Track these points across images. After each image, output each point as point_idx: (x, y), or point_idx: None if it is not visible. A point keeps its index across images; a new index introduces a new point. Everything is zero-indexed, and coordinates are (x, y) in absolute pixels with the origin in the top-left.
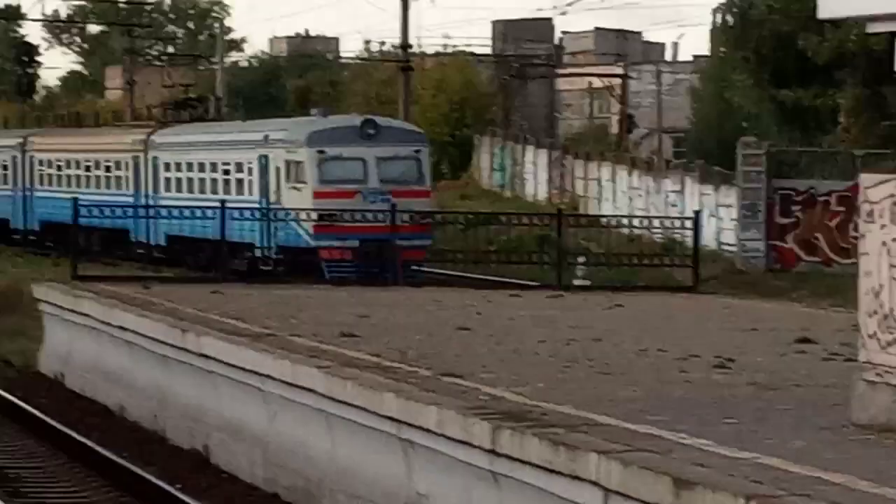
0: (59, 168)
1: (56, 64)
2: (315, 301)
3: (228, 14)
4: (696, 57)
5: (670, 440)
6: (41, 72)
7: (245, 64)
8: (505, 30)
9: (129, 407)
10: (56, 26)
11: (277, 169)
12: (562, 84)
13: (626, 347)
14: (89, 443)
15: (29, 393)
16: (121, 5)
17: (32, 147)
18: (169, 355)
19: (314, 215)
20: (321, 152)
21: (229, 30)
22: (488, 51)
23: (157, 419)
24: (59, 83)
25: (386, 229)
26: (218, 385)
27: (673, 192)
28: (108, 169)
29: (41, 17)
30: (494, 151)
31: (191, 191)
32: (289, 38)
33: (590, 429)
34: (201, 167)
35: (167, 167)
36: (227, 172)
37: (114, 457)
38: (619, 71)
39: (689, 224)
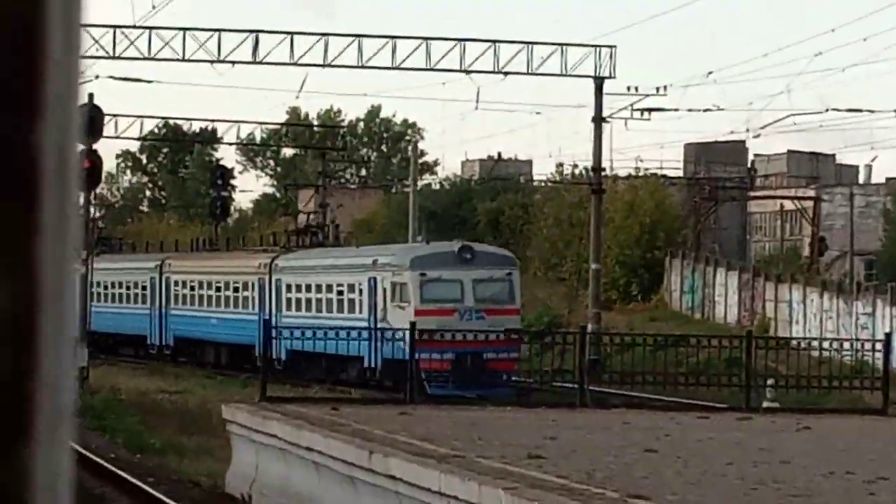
0: (192, 288)
1: (250, 187)
2: (503, 422)
3: (421, 137)
4: (888, 179)
5: None
6: (235, 195)
7: (437, 187)
8: (698, 152)
9: None
10: (251, 150)
11: (384, 290)
12: (753, 207)
13: (813, 470)
14: None
15: None
16: (315, 129)
17: (169, 269)
18: (356, 476)
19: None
20: (423, 275)
21: (422, 153)
22: (680, 174)
23: None
24: (251, 206)
25: (479, 344)
26: None
27: (864, 314)
28: (235, 290)
29: (236, 141)
30: (685, 274)
31: (309, 310)
32: (481, 160)
33: None
34: (318, 288)
35: (289, 288)
36: (340, 293)
37: None
38: (812, 193)
39: (879, 346)
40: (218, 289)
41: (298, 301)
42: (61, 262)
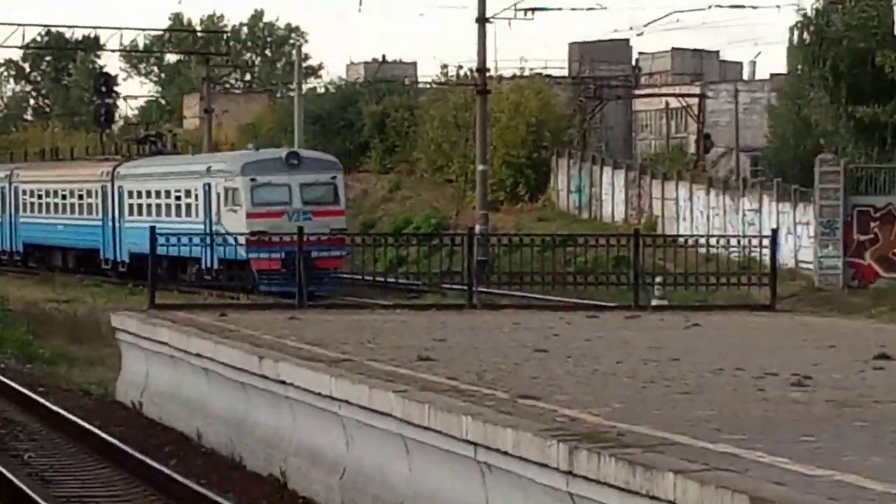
0: (39, 196)
1: (134, 93)
2: (392, 326)
3: (305, 41)
4: (772, 75)
5: (747, 459)
6: (119, 102)
7: (322, 90)
8: (581, 52)
9: (206, 434)
10: (134, 56)
11: (218, 195)
12: (639, 105)
13: (703, 367)
14: (167, 470)
15: (106, 421)
16: (198, 34)
17: (17, 178)
18: (246, 382)
19: (248, 231)
20: (253, 180)
21: (306, 56)
22: (565, 73)
23: (235, 446)
24: (137, 113)
25: (307, 242)
26: (295, 411)
27: (750, 210)
28: (80, 197)
29: (119, 48)
30: (572, 173)
31: (150, 214)
32: (366, 63)
33: (667, 448)
34: (157, 194)
35: (130, 195)
36: (178, 199)
37: (192, 484)
38: (696, 90)
39: (766, 242)
40: (64, 196)
41: (140, 206)
42: None
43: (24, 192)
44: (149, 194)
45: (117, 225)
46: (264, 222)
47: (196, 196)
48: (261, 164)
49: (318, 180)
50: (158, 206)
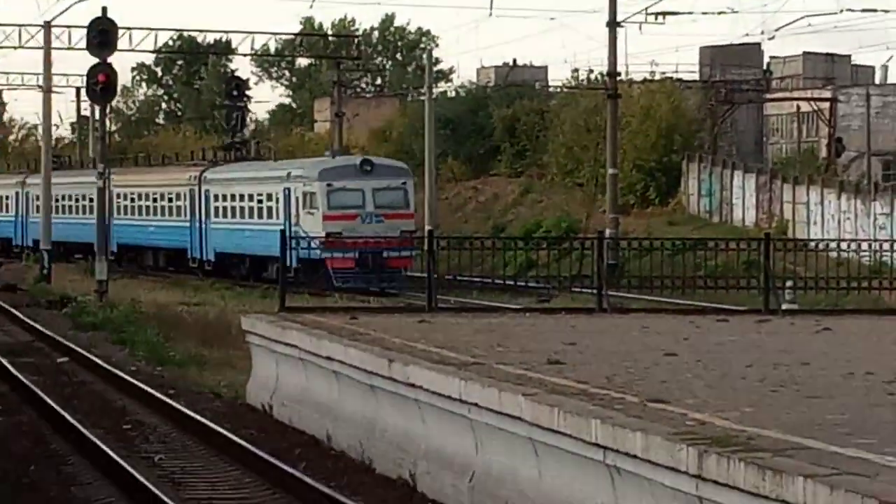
0: (132, 200)
1: (265, 98)
2: (521, 329)
3: (436, 45)
4: None
5: (878, 463)
6: (251, 106)
7: (453, 94)
8: (713, 56)
9: (336, 437)
10: (265, 60)
11: (297, 199)
12: (770, 109)
13: (833, 371)
14: (297, 473)
15: (237, 424)
16: (329, 38)
17: (112, 182)
18: (376, 385)
19: (325, 233)
20: (329, 185)
21: (437, 60)
22: (696, 77)
23: (364, 448)
24: (268, 117)
25: (379, 244)
26: (425, 414)
27: (882, 214)
28: (170, 200)
29: (250, 52)
30: (702, 177)
31: (234, 216)
32: (496, 67)
33: (797, 453)
34: (241, 198)
35: (216, 198)
36: (260, 202)
37: (321, 486)
38: (828, 94)
39: None
40: (155, 199)
41: (224, 209)
42: None
43: (119, 196)
44: (233, 197)
45: (204, 226)
46: (339, 224)
47: (276, 200)
48: (337, 170)
49: (390, 185)
50: (241, 208)
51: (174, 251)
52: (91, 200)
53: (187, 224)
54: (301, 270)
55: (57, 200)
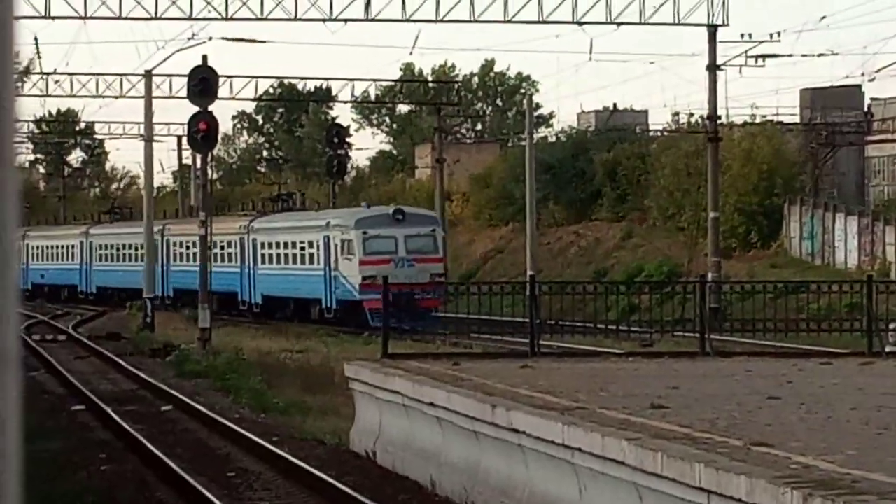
0: (187, 248)
1: (366, 144)
2: (624, 373)
3: (536, 90)
4: None
5: None
6: (352, 153)
7: (553, 139)
8: (813, 98)
9: (440, 482)
10: (366, 107)
11: (336, 245)
12: (871, 150)
13: None
14: None
15: (340, 471)
16: (429, 84)
17: (168, 232)
18: (479, 430)
19: (361, 278)
20: (365, 233)
21: (537, 105)
22: (796, 119)
23: (468, 494)
24: (368, 163)
25: (411, 286)
26: (528, 459)
27: None
28: (222, 247)
29: (350, 99)
30: (804, 220)
31: (279, 262)
32: (596, 111)
33: None
34: (285, 245)
35: (262, 245)
36: (302, 249)
37: None
38: None
39: None
40: (209, 247)
41: (270, 256)
42: None
43: (175, 244)
44: (278, 245)
45: (251, 272)
46: (375, 269)
47: (318, 247)
48: (372, 219)
49: (420, 233)
50: (286, 255)
51: (227, 294)
52: (136, 249)
53: (237, 270)
54: (339, 311)
55: (118, 249)
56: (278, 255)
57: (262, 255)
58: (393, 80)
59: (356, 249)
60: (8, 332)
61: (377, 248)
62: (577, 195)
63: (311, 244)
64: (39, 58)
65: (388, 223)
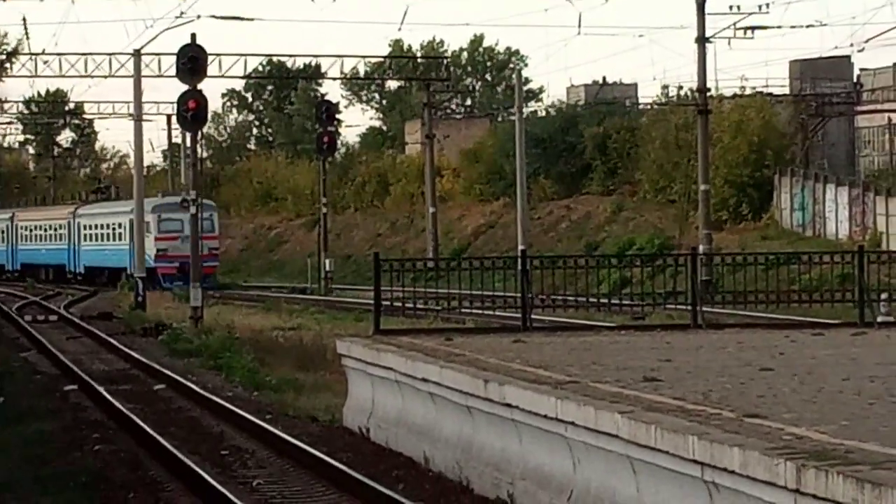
0: (30, 230)
1: (356, 121)
2: (616, 347)
3: (525, 64)
4: None
5: None
6: (341, 129)
7: (543, 114)
8: (802, 69)
9: (433, 458)
10: (355, 84)
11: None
12: (861, 121)
13: None
14: (395, 495)
15: (334, 447)
16: (419, 60)
17: (17, 218)
18: (472, 405)
19: (156, 250)
20: (160, 216)
21: (527, 80)
22: (786, 91)
23: (462, 469)
24: (358, 140)
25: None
26: (522, 434)
27: None
28: (54, 230)
29: (340, 76)
30: (795, 191)
31: (96, 241)
32: (586, 85)
33: (895, 465)
34: (101, 227)
35: (85, 227)
36: (113, 229)
37: None
38: None
39: None
40: (45, 229)
41: (90, 235)
42: None
43: (23, 227)
44: (96, 227)
45: (76, 248)
46: (166, 244)
47: (125, 228)
48: (165, 206)
49: (203, 216)
50: (102, 234)
51: (56, 266)
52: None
53: (66, 247)
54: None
55: (97, 228)
56: (96, 234)
57: (85, 235)
58: (382, 57)
59: (153, 229)
60: None
61: (168, 228)
62: (568, 169)
63: (119, 225)
64: (28, 38)
65: (177, 209)
